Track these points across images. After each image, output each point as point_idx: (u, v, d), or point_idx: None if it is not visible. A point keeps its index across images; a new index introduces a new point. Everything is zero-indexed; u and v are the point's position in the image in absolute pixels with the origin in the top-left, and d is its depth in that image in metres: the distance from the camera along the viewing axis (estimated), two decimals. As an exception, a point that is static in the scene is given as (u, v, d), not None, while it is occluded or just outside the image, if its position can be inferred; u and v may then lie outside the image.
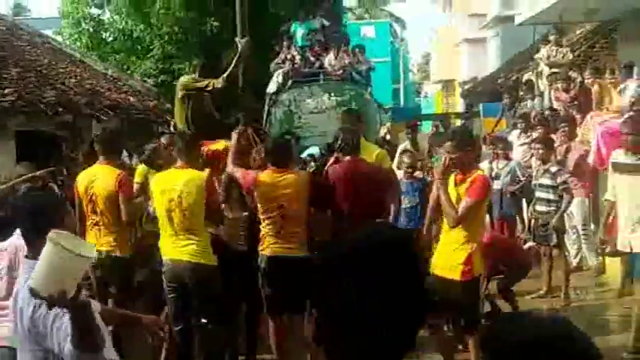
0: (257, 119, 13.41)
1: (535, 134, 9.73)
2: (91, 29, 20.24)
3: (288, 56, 14.66)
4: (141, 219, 6.59)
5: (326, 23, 16.14)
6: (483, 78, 24.03)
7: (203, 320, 5.79)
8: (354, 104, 13.96)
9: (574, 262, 9.16)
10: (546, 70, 13.02)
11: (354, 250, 1.63)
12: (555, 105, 11.83)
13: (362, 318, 1.55)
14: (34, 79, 11.21)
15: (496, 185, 9.45)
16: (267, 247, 5.97)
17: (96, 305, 3.26)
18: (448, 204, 5.44)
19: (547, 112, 11.47)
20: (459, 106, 29.76)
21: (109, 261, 5.96)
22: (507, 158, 9.79)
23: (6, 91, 10.36)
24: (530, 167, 9.50)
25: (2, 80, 10.72)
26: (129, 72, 18.81)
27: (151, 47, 19.34)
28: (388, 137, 13.03)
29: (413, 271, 1.63)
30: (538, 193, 8.39)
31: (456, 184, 5.51)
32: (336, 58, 14.63)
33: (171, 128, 9.04)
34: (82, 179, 6.23)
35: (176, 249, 5.76)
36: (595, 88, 11.12)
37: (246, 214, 6.32)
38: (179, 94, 7.48)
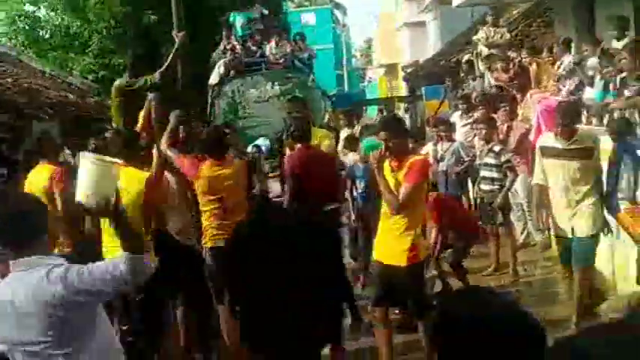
0: (201, 112, 13.33)
1: (477, 114, 9.87)
2: (27, 27, 19.79)
3: (229, 46, 14.54)
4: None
5: (265, 12, 16.06)
6: (425, 61, 24.25)
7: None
8: (297, 92, 13.93)
9: (520, 238, 9.34)
10: (485, 51, 13.19)
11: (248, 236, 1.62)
12: (494, 85, 11.99)
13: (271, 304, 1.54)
14: (-32, 81, 10.94)
15: (441, 167, 9.56)
16: (210, 239, 5.98)
17: None
18: (388, 190, 5.43)
19: (492, 91, 11.60)
20: (403, 90, 30.00)
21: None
22: (450, 140, 9.89)
23: (-61, 93, 10.09)
24: (474, 147, 9.63)
25: None
26: (68, 69, 18.47)
27: (89, 43, 19.02)
28: (332, 124, 13.06)
29: (325, 254, 1.62)
30: (482, 173, 8.52)
31: (392, 171, 5.51)
32: (277, 46, 14.58)
33: (113, 124, 8.90)
34: (26, 183, 6.39)
35: (115, 248, 5.69)
36: (533, 67, 11.34)
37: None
38: (115, 100, 7.37)
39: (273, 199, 8.30)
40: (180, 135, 6.58)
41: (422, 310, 5.63)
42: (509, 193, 8.53)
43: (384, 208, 5.62)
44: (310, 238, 1.38)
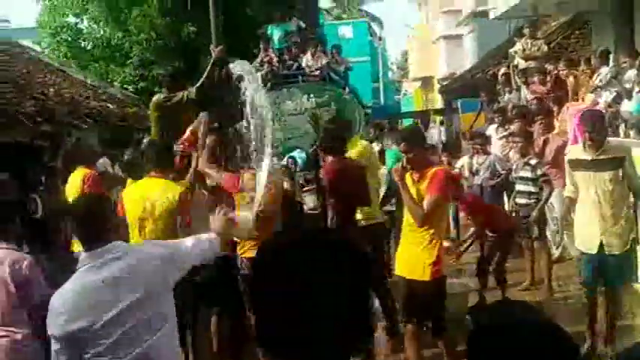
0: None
1: (513, 127, 9.81)
2: (70, 38, 20.17)
3: (266, 59, 14.66)
4: None
5: (302, 25, 16.17)
6: (461, 74, 24.17)
7: None
8: (333, 104, 14.03)
9: (556, 253, 9.24)
10: (522, 64, 13.11)
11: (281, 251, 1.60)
12: (531, 97, 11.90)
13: (299, 318, 1.52)
14: (12, 90, 11.16)
15: (476, 180, 9.53)
16: (249, 249, 6.02)
17: None
18: (412, 202, 5.44)
19: (532, 104, 11.47)
20: (438, 102, 29.89)
21: None
22: (486, 153, 9.85)
23: (-16, 102, 10.32)
24: (509, 161, 9.57)
25: (-20, 92, 10.67)
26: (108, 80, 18.76)
27: (129, 54, 19.30)
28: (369, 136, 13.08)
29: (351, 272, 1.59)
30: (518, 186, 8.46)
31: (414, 182, 5.51)
32: (313, 58, 14.66)
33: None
34: (67, 186, 6.88)
35: None
36: (570, 80, 11.24)
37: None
38: (153, 114, 7.45)
39: (307, 212, 8.35)
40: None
41: (441, 328, 5.58)
42: (545, 207, 8.45)
43: (407, 221, 5.62)
44: (340, 260, 1.39)
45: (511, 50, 13.80)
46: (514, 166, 8.97)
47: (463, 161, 9.86)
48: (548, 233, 8.83)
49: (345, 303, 1.53)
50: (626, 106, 9.22)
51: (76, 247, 6.19)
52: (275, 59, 14.76)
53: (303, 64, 14.68)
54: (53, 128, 10.80)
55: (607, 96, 9.82)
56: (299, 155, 11.40)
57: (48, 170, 9.41)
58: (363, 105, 15.12)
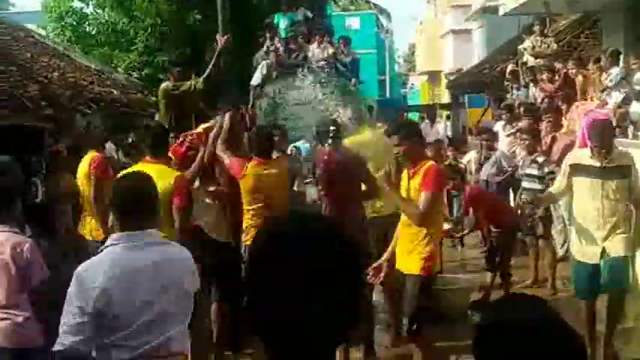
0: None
1: (521, 124, 9.73)
2: (75, 23, 20.08)
3: (272, 48, 14.60)
4: None
5: (309, 15, 16.10)
6: (468, 69, 24.07)
7: None
8: (338, 95, 13.97)
9: (560, 251, 9.18)
10: (531, 61, 13.02)
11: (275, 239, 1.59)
12: (539, 95, 11.83)
13: (292, 307, 1.51)
14: (16, 73, 11.09)
15: (482, 175, 9.46)
16: (252, 237, 5.95)
17: None
18: (407, 204, 5.40)
19: (543, 102, 11.37)
20: (445, 97, 29.81)
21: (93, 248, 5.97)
22: (492, 149, 9.78)
23: (-13, 85, 10.25)
24: (516, 157, 9.50)
25: (-16, 74, 10.60)
26: (113, 65, 18.69)
27: (134, 40, 19.22)
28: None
29: (341, 259, 1.57)
30: (524, 184, 8.41)
31: (409, 178, 5.44)
32: (319, 48, 14.60)
33: (154, 119, 9.02)
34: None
35: None
36: (579, 79, 11.16)
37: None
38: (162, 101, 7.45)
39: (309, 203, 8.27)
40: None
41: (415, 329, 5.39)
42: (551, 206, 8.39)
43: (403, 217, 5.56)
44: (330, 251, 1.36)
45: (520, 47, 13.70)
46: (520, 163, 8.91)
47: (470, 156, 9.79)
48: (553, 232, 8.77)
49: (332, 292, 1.52)
50: (635, 108, 9.15)
51: (86, 230, 6.24)
52: (281, 48, 14.71)
53: (309, 54, 14.61)
54: (56, 112, 10.74)
55: (616, 97, 9.75)
56: (303, 146, 11.31)
57: (50, 154, 9.37)
58: (367, 97, 15.07)
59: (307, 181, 9.40)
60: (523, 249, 8.93)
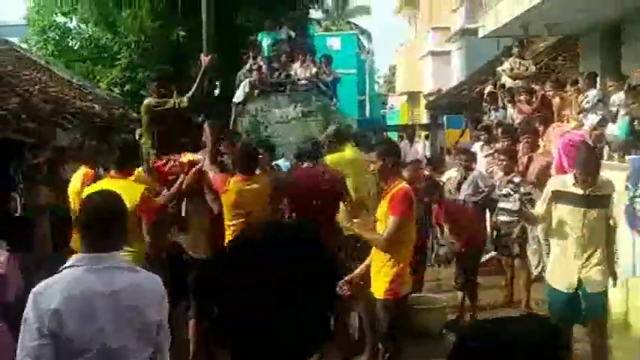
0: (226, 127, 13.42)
1: (498, 146, 9.84)
2: (58, 37, 20.04)
3: (255, 66, 14.70)
4: None
5: (292, 34, 16.23)
6: (447, 90, 24.27)
7: None
8: (319, 114, 14.06)
9: (535, 272, 9.24)
10: (509, 82, 13.19)
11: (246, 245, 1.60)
12: (517, 116, 11.98)
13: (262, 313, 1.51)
14: (-3, 86, 11.07)
15: (460, 195, 9.54)
16: None
17: None
18: (370, 236, 5.53)
19: (520, 122, 11.45)
20: (424, 117, 29.99)
21: None
22: (469, 169, 9.88)
23: (-32, 97, 10.21)
24: (493, 178, 9.59)
25: (-36, 87, 10.56)
26: (95, 80, 18.66)
27: (117, 56, 19.21)
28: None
29: (315, 263, 1.58)
30: (501, 204, 8.49)
31: (382, 197, 5.52)
32: (301, 68, 14.71)
33: (137, 136, 9.00)
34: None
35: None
36: (556, 100, 11.33)
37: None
38: (144, 117, 7.39)
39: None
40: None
41: (390, 351, 5.45)
42: (527, 226, 8.47)
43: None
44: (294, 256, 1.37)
45: (499, 68, 13.88)
46: (497, 184, 9.00)
47: (450, 174, 9.89)
48: (528, 252, 8.85)
49: (305, 300, 1.53)
50: (611, 130, 9.30)
51: (77, 245, 6.19)
52: (264, 67, 14.80)
53: (292, 73, 14.72)
54: (37, 126, 10.71)
55: (593, 118, 9.90)
56: (283, 164, 11.36)
57: (29, 168, 9.34)
58: (347, 117, 15.19)
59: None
60: (498, 269, 9.00)
